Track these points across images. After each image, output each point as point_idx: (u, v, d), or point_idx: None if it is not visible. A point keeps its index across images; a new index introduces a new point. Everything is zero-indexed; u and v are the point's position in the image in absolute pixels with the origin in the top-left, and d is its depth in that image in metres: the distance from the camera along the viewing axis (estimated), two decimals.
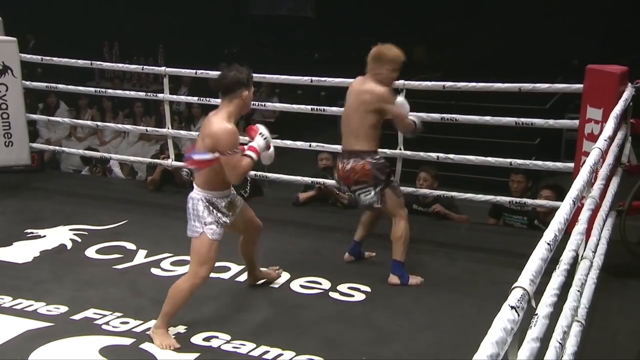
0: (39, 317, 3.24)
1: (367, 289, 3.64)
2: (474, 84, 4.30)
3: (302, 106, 4.87)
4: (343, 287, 3.66)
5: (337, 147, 4.91)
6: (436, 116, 4.35)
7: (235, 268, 3.89)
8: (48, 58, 5.27)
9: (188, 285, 3.08)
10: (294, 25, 11.66)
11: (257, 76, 4.81)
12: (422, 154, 4.43)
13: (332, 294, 3.60)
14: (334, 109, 4.70)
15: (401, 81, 4.15)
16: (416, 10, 10.71)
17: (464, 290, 3.65)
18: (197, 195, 3.08)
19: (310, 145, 4.76)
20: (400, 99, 3.71)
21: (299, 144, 4.86)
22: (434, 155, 4.39)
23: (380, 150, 3.69)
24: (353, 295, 3.58)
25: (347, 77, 4.67)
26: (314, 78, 4.58)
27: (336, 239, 4.38)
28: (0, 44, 5.07)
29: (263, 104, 5.37)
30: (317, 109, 4.72)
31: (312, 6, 12.03)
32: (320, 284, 3.72)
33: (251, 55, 10.72)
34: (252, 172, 4.99)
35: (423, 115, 4.10)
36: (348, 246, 4.01)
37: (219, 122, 3.00)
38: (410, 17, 10.71)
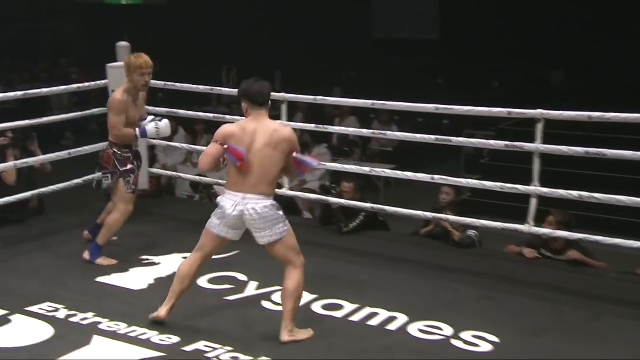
0: (152, 346, 3.43)
1: (495, 339, 3.52)
2: (626, 115, 4.05)
3: (427, 136, 4.84)
4: (467, 335, 3.57)
5: (460, 180, 4.87)
6: (579, 150, 4.16)
7: (348, 307, 3.91)
8: (171, 84, 5.65)
9: (299, 279, 3.44)
10: (416, 48, 11.69)
11: (377, 103, 4.95)
12: (561, 191, 4.24)
13: (454, 342, 3.52)
14: (461, 139, 4.63)
15: (539, 110, 4.02)
16: (552, 31, 10.35)
17: (611, 348, 3.41)
18: (267, 202, 3.39)
19: (432, 178, 4.71)
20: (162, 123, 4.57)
21: (420, 176, 4.82)
22: (575, 193, 4.18)
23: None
24: (479, 345, 3.48)
25: (473, 104, 4.65)
26: (439, 106, 4.56)
27: (458, 280, 4.30)
28: None
29: (383, 133, 5.40)
30: (442, 139, 4.67)
31: (436, 28, 12.01)
32: (441, 329, 3.65)
33: (370, 79, 10.87)
34: (369, 205, 5.03)
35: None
36: (472, 289, 3.92)
37: (281, 126, 3.55)
38: (545, 39, 10.37)
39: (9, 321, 3.66)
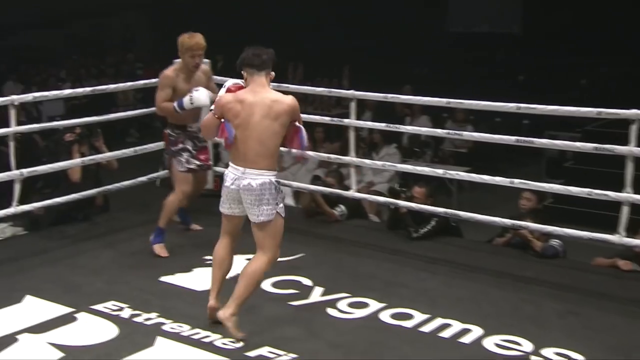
0: (215, 349, 3.49)
1: (580, 357, 3.43)
2: None
3: (506, 137, 4.73)
4: (548, 352, 3.48)
5: (543, 185, 4.74)
6: None
7: (418, 316, 3.87)
8: (238, 80, 5.72)
9: (262, 269, 3.53)
10: (495, 43, 11.44)
11: (452, 102, 4.88)
12: None
13: (534, 359, 3.43)
14: (545, 141, 4.51)
15: (634, 111, 3.87)
16: None
17: None
18: (266, 179, 3.41)
19: (512, 182, 4.60)
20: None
21: (498, 180, 4.72)
22: None
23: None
24: None
25: (556, 103, 4.51)
26: (521, 105, 4.45)
27: (538, 292, 4.19)
28: None
29: (459, 133, 5.32)
30: (523, 140, 4.56)
31: (518, 22, 11.72)
32: (520, 344, 3.56)
33: (444, 76, 10.71)
34: (442, 210, 4.97)
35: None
36: (555, 302, 3.80)
37: (282, 95, 3.47)
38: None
39: (74, 319, 3.80)
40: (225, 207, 3.60)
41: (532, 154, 8.04)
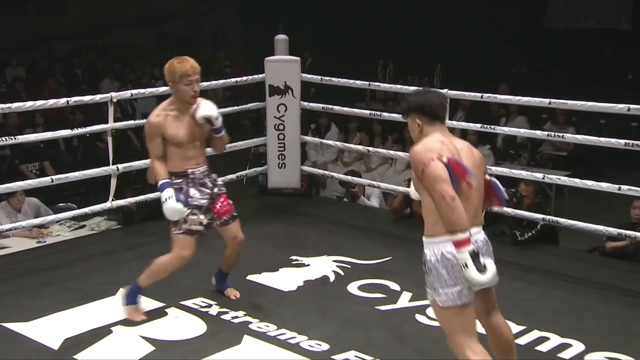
0: (301, 351, 3.52)
1: None
2: None
3: (615, 140, 4.52)
4: None
5: None
6: None
7: (514, 327, 3.74)
8: (327, 78, 5.77)
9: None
10: (602, 40, 10.95)
11: (555, 102, 4.70)
12: None
13: None
14: None
15: None
16: None
17: None
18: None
19: (619, 189, 4.38)
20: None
21: (604, 186, 4.51)
22: None
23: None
24: None
25: None
26: (632, 106, 4.23)
27: None
28: (285, 64, 5.73)
29: (560, 135, 5.12)
30: (632, 143, 4.34)
31: (627, 16, 11.17)
32: None
33: (543, 76, 10.39)
34: (541, 216, 4.80)
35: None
36: None
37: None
38: None
39: (165, 314, 3.93)
40: (464, 294, 2.75)
41: None
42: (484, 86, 5.47)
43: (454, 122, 5.96)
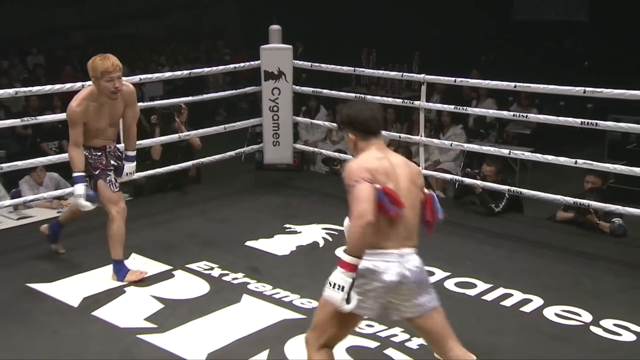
0: (294, 308, 3.54)
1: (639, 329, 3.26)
2: None
3: (571, 119, 4.53)
4: (607, 323, 3.35)
5: (607, 166, 4.52)
6: None
7: (481, 285, 3.79)
8: (317, 64, 5.74)
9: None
10: (562, 31, 10.91)
11: (520, 85, 4.70)
12: None
13: (593, 329, 3.32)
14: (609, 123, 4.29)
15: None
16: None
17: None
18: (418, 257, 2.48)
19: (575, 162, 4.41)
20: None
21: (562, 160, 4.54)
22: None
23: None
24: (620, 334, 3.26)
25: (622, 87, 4.27)
26: (588, 89, 4.23)
27: (599, 268, 4.03)
28: (278, 51, 5.68)
29: (524, 115, 5.13)
30: (587, 122, 4.35)
31: (585, 9, 11.13)
32: (580, 315, 3.45)
33: (510, 62, 10.36)
34: (507, 187, 4.83)
35: None
36: (615, 277, 3.64)
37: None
38: None
39: (172, 276, 3.94)
40: (364, 309, 2.42)
41: (594, 137, 7.65)
42: (458, 72, 5.44)
43: (430, 104, 5.95)
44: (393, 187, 2.39)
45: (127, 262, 3.93)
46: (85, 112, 3.67)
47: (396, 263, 2.38)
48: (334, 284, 2.33)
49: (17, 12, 12.55)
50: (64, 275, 3.90)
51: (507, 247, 4.41)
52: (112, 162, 3.88)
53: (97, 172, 3.80)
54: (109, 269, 3.90)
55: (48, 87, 4.73)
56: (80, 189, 3.69)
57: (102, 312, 3.49)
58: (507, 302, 3.63)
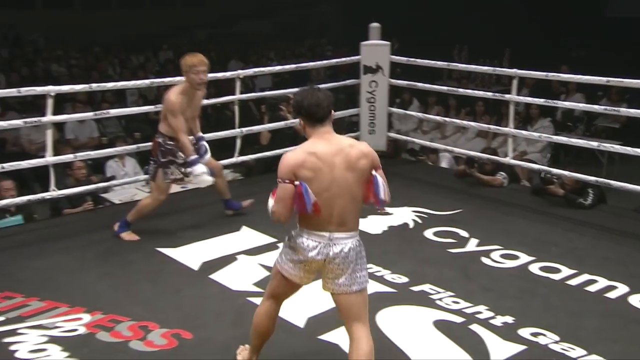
0: (386, 282, 3.54)
1: None
2: None
3: None
4: None
5: None
6: None
7: (566, 271, 3.61)
8: (412, 59, 5.64)
9: (372, 346, 2.48)
10: None
11: (612, 80, 4.39)
12: None
13: None
14: None
15: None
16: None
17: None
18: (355, 241, 2.48)
19: None
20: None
21: None
22: None
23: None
24: None
25: None
26: None
27: None
28: (377, 47, 5.64)
29: (616, 109, 4.78)
30: None
31: None
32: None
33: (599, 58, 9.71)
34: (594, 178, 4.55)
35: None
36: None
37: (358, 142, 2.49)
38: None
39: (277, 247, 3.97)
40: (293, 275, 2.52)
41: None
42: (546, 67, 5.15)
43: (521, 97, 5.69)
44: (323, 176, 2.37)
45: (237, 233, 4.05)
46: (182, 103, 3.93)
47: (322, 244, 2.43)
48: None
49: (151, 13, 13.24)
50: (186, 242, 4.08)
51: (592, 235, 4.18)
52: (180, 157, 4.00)
53: (164, 161, 4.00)
54: (224, 238, 4.05)
55: (177, 79, 4.93)
56: (201, 168, 3.97)
57: (217, 276, 3.63)
58: (592, 288, 3.44)
